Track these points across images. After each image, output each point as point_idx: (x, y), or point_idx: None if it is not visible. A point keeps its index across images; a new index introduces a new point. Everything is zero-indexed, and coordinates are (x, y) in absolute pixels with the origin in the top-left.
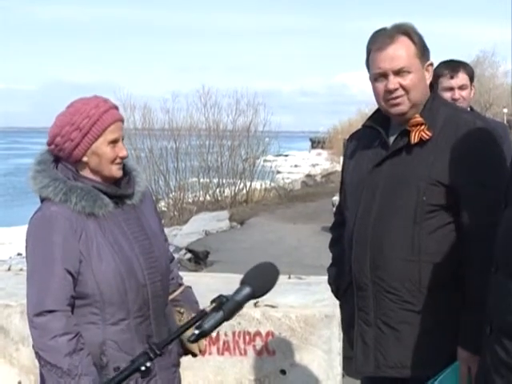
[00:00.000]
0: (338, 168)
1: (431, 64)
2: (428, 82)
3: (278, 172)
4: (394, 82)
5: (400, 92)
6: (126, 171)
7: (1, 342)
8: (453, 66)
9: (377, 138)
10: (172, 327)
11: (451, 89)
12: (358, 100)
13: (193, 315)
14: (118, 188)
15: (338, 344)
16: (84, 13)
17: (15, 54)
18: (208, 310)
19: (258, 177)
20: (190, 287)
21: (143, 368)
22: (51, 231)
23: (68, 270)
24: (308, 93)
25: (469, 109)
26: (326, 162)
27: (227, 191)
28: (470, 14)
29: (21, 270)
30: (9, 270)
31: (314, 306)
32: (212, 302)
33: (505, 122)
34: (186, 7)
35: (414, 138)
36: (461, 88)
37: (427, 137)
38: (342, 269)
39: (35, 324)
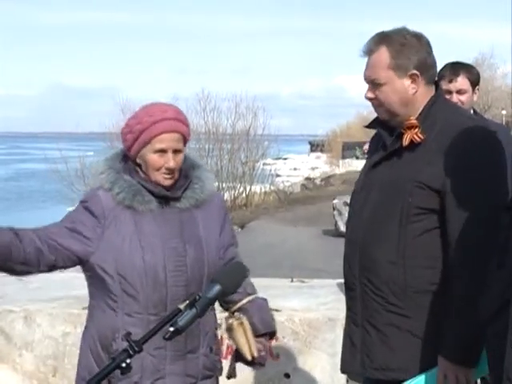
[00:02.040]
0: (337, 171)
1: (415, 74)
2: (412, 92)
3: (278, 175)
4: (369, 92)
5: (375, 102)
6: (187, 177)
7: (4, 347)
8: (454, 70)
9: (381, 139)
10: (200, 337)
11: (450, 92)
12: (356, 103)
13: (258, 327)
14: (166, 190)
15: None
16: (83, 17)
17: (15, 59)
18: (182, 307)
19: (258, 180)
20: (265, 299)
21: (124, 365)
22: (81, 210)
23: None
24: (307, 96)
25: (472, 111)
26: (325, 165)
27: (227, 195)
28: (468, 17)
29: None
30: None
31: (318, 309)
32: (185, 299)
33: (503, 123)
34: (185, 10)
35: (405, 140)
36: (459, 92)
37: (419, 139)
38: None
39: None
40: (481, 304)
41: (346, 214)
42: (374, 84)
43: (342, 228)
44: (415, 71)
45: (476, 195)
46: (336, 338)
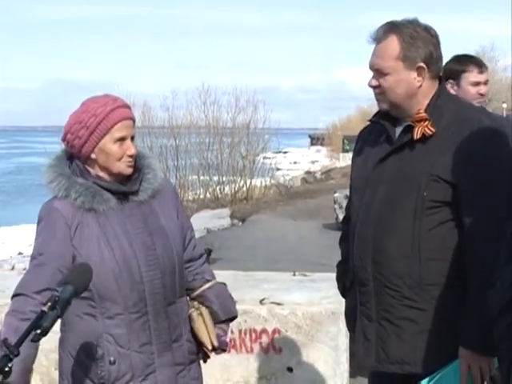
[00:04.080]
0: (338, 164)
1: (422, 67)
2: (418, 85)
3: (278, 169)
4: (373, 80)
5: (377, 90)
6: (138, 168)
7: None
8: (478, 62)
9: (383, 133)
10: (180, 325)
11: (478, 84)
12: (356, 96)
13: (219, 315)
14: (122, 185)
15: (344, 341)
16: (83, 11)
17: (15, 53)
18: (45, 309)
19: (258, 174)
20: (224, 283)
21: (6, 369)
22: (47, 230)
23: (56, 267)
24: (307, 89)
25: (485, 104)
26: (326, 159)
27: (227, 189)
28: (468, 10)
29: (24, 269)
30: (12, 269)
31: (320, 302)
32: (47, 302)
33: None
34: (184, 4)
35: (417, 133)
36: (485, 83)
37: (430, 133)
38: (348, 266)
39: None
40: (490, 297)
41: None
42: (379, 72)
43: None
44: (422, 64)
45: (489, 189)
46: (339, 331)
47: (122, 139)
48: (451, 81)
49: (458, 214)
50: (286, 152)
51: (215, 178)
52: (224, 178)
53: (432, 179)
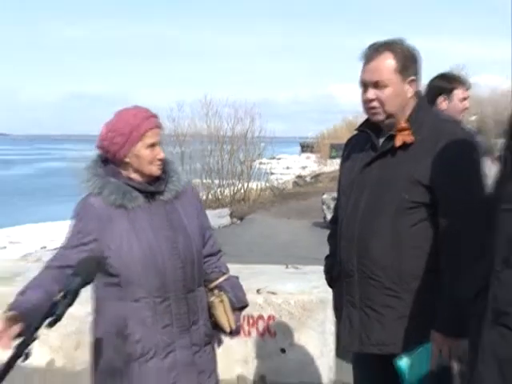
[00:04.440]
0: (325, 170)
1: (413, 80)
2: (409, 95)
3: (272, 173)
4: (371, 92)
5: (376, 103)
6: (164, 171)
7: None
8: (465, 81)
9: (368, 141)
10: (198, 310)
11: (465, 99)
12: (343, 109)
13: (234, 303)
14: (150, 185)
15: (331, 326)
16: (100, 32)
17: (39, 68)
18: (58, 298)
19: (255, 178)
20: (236, 277)
21: (26, 351)
22: (81, 222)
23: (81, 252)
24: (299, 103)
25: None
26: (314, 165)
27: (227, 191)
28: (441, 32)
29: None
30: (38, 261)
31: (311, 292)
32: (58, 292)
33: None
34: (189, 29)
35: (398, 141)
36: (467, 98)
37: (410, 141)
38: (335, 260)
39: None
40: (463, 286)
41: None
42: (377, 85)
43: None
44: (414, 77)
45: (462, 194)
46: (326, 317)
47: (152, 145)
48: (444, 96)
49: (434, 214)
50: (279, 158)
51: (216, 181)
52: (224, 181)
53: (411, 183)
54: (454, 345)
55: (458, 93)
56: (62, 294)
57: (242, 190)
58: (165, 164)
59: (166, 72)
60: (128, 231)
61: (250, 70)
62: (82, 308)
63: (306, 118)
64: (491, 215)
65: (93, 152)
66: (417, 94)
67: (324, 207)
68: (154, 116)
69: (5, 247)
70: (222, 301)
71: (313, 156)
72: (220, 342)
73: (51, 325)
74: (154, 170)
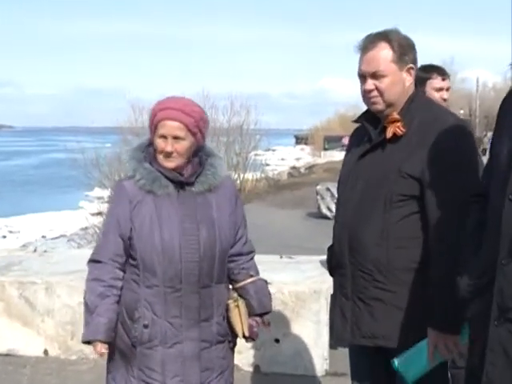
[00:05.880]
0: (319, 161)
1: (412, 68)
2: (408, 84)
3: (267, 164)
4: (369, 83)
5: (375, 93)
6: (201, 163)
7: (29, 314)
8: (441, 70)
9: (367, 132)
10: (212, 307)
11: (441, 89)
12: (336, 102)
13: (255, 308)
14: (181, 175)
15: (325, 316)
16: (97, 28)
17: (44, 63)
18: None
19: (250, 169)
20: (265, 280)
21: None
22: (114, 203)
23: (119, 234)
24: (294, 96)
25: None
26: (309, 156)
27: None
28: (431, 28)
29: (45, 251)
30: (35, 251)
31: (305, 282)
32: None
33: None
34: (187, 23)
35: (389, 133)
36: (447, 90)
37: (401, 132)
38: None
39: (88, 266)
40: (461, 284)
41: (328, 199)
42: (375, 76)
43: (324, 211)
44: (411, 65)
45: (451, 183)
46: (320, 307)
47: (163, 136)
48: (419, 85)
49: (423, 207)
50: (274, 150)
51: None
52: None
53: (400, 175)
54: (450, 340)
55: (433, 82)
56: None
57: (238, 181)
58: (205, 157)
59: (165, 66)
60: (152, 217)
61: (244, 64)
62: (77, 298)
63: (300, 110)
64: (484, 206)
65: (93, 144)
66: (415, 83)
67: (318, 197)
68: (180, 109)
69: (5, 236)
70: (237, 305)
71: (307, 148)
72: (232, 344)
73: None
74: (162, 160)
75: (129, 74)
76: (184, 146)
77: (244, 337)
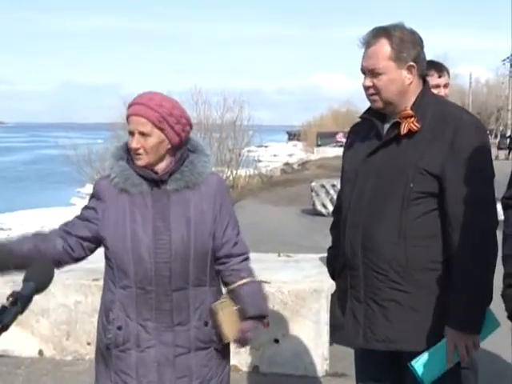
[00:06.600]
0: (312, 157)
1: (412, 66)
2: (408, 82)
3: (260, 161)
4: (367, 80)
5: (372, 90)
6: (181, 160)
7: (23, 314)
8: (439, 66)
9: (373, 129)
10: (189, 310)
11: (438, 86)
12: (329, 98)
13: (246, 311)
14: (155, 173)
15: (325, 315)
16: (93, 25)
17: (33, 60)
18: (7, 305)
19: (243, 165)
20: (259, 282)
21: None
22: (89, 200)
23: (84, 226)
24: (286, 92)
25: None
26: (301, 152)
27: None
28: (424, 24)
29: None
30: None
31: (304, 281)
32: (8, 297)
33: None
34: (180, 19)
35: (404, 129)
36: (445, 86)
37: (416, 128)
38: (338, 251)
39: None
40: (479, 280)
41: (323, 195)
42: (372, 73)
43: (319, 207)
44: (412, 63)
45: (474, 181)
46: (320, 307)
47: (130, 133)
48: None
49: (442, 204)
50: (267, 146)
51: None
52: (213, 169)
53: (418, 172)
54: (470, 340)
55: (429, 79)
56: (11, 299)
57: (231, 178)
58: (186, 153)
59: (157, 62)
60: (124, 216)
61: (237, 60)
62: (72, 297)
63: (293, 106)
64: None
65: (85, 140)
66: (422, 79)
67: (313, 194)
68: (145, 104)
69: None
70: (221, 308)
71: (300, 144)
72: (223, 352)
73: None
74: (134, 159)
75: (122, 71)
76: (150, 142)
77: (237, 341)
